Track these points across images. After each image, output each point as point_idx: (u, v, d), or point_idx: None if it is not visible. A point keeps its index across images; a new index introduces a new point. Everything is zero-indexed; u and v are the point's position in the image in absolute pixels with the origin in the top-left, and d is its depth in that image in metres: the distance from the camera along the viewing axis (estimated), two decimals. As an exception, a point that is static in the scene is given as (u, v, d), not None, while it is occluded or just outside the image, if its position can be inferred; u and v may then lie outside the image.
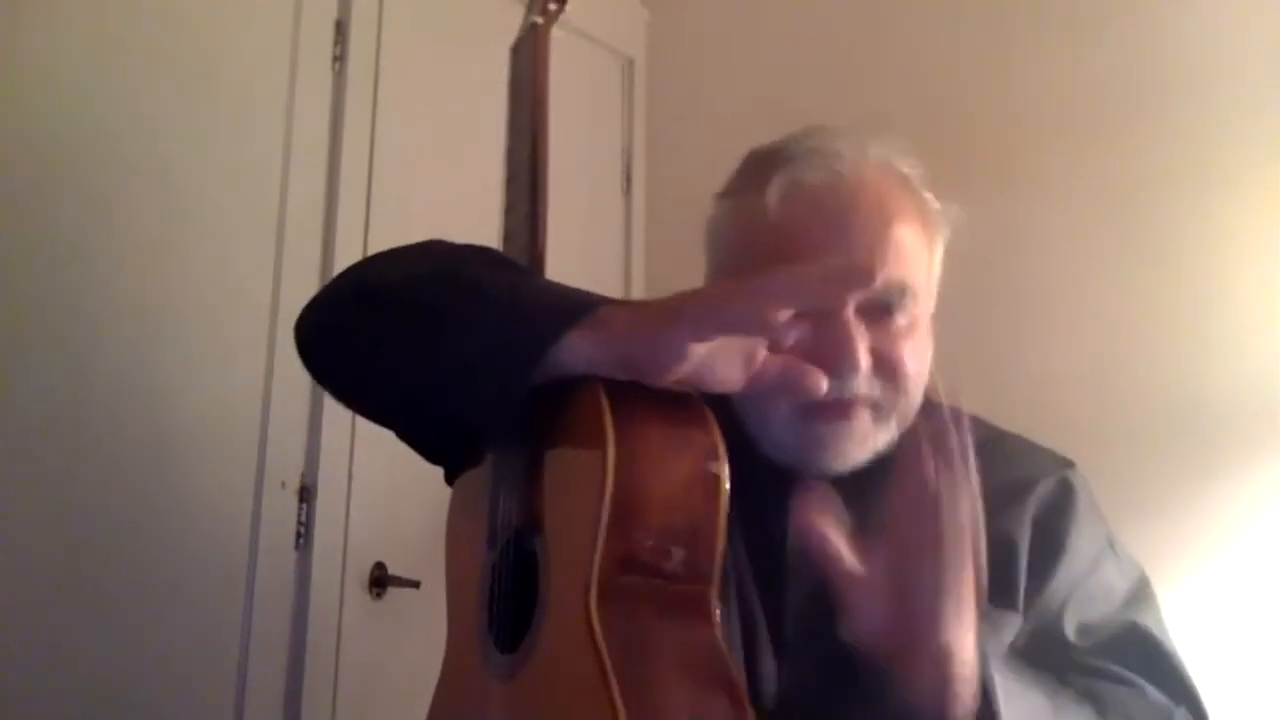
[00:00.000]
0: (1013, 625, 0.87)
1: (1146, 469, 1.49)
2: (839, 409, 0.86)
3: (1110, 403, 1.57)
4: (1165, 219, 1.59)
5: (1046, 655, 0.89)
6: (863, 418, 0.86)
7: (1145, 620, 0.91)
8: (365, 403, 0.87)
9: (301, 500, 1.48)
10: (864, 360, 0.85)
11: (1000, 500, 0.90)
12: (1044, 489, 0.93)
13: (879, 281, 0.87)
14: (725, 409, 0.78)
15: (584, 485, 0.68)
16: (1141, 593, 0.94)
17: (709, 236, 0.98)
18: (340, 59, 1.63)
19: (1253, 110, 1.55)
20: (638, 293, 2.12)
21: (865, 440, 0.87)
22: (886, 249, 0.88)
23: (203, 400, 1.38)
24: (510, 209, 0.87)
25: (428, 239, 0.86)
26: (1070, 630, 0.89)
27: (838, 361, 0.84)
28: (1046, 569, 0.90)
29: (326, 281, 1.49)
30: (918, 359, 0.90)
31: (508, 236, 0.86)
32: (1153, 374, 1.56)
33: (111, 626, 1.25)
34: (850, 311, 0.86)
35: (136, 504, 1.29)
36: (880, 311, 0.88)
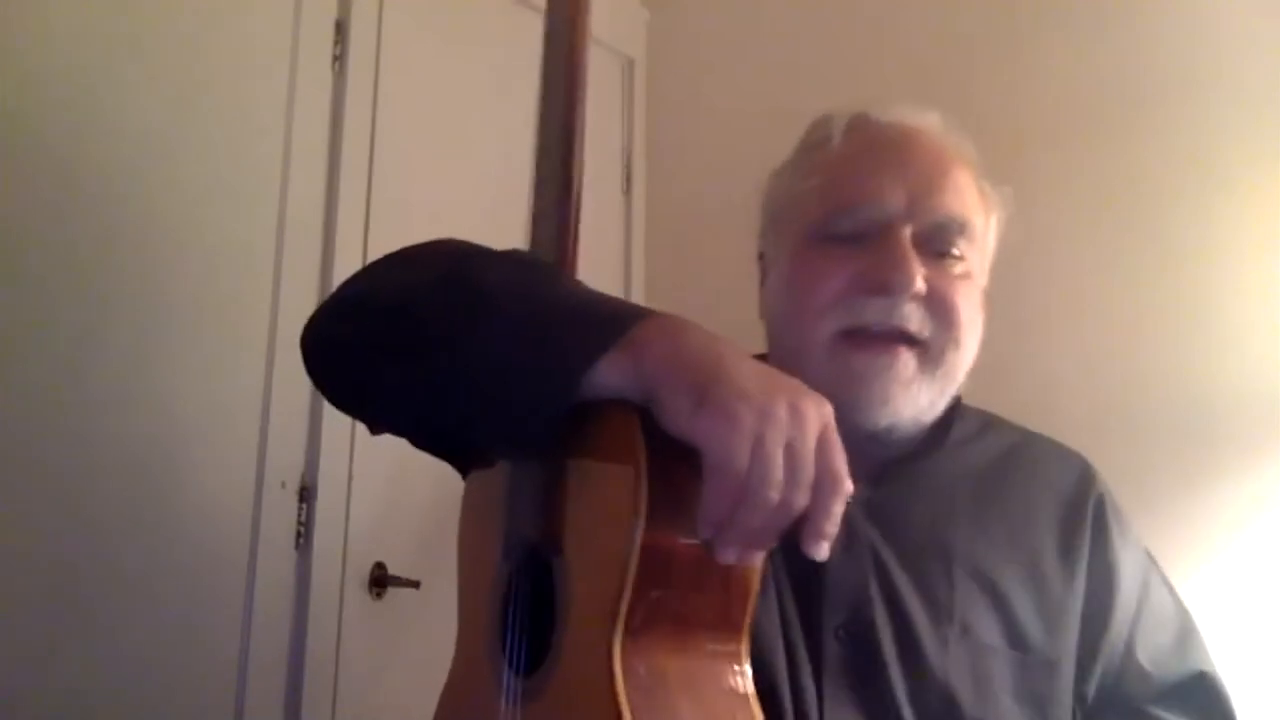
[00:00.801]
0: (1047, 670, 0.84)
1: (1147, 468, 1.48)
2: (884, 340, 0.82)
3: (1111, 402, 1.57)
4: (1165, 219, 1.59)
5: (1127, 692, 0.87)
6: (908, 360, 0.83)
7: (1210, 668, 0.89)
8: (372, 419, 0.82)
9: (301, 500, 1.48)
10: (919, 282, 0.81)
11: (1061, 519, 0.89)
12: (1092, 509, 0.90)
13: (939, 211, 0.85)
14: None
15: (611, 518, 0.63)
16: (1190, 623, 0.92)
17: (767, 201, 0.95)
18: (340, 59, 1.62)
19: (1253, 110, 1.55)
20: (637, 292, 2.12)
21: (910, 385, 0.83)
22: (945, 183, 0.86)
23: (203, 400, 1.38)
24: (541, 185, 0.78)
25: (438, 238, 0.81)
26: (1145, 661, 0.87)
27: (892, 276, 0.81)
28: (1105, 606, 0.87)
29: (326, 283, 1.52)
30: (972, 311, 0.86)
31: (538, 216, 0.78)
32: (1153, 373, 1.56)
33: (111, 626, 1.24)
34: (907, 234, 0.84)
35: (136, 504, 1.29)
36: (937, 248, 0.85)
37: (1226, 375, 1.50)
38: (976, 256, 0.89)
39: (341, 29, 1.63)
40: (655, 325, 0.64)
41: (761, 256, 0.97)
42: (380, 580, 1.56)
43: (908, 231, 0.84)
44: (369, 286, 0.79)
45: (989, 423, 0.96)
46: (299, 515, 1.47)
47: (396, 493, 1.55)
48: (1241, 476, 1.47)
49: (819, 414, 0.61)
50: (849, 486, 0.61)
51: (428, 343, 0.69)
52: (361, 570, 1.54)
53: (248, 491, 1.42)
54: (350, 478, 1.53)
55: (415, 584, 1.55)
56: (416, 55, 1.74)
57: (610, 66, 2.19)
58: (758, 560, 0.65)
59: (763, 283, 0.96)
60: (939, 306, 0.83)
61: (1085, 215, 1.65)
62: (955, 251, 0.86)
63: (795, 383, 0.63)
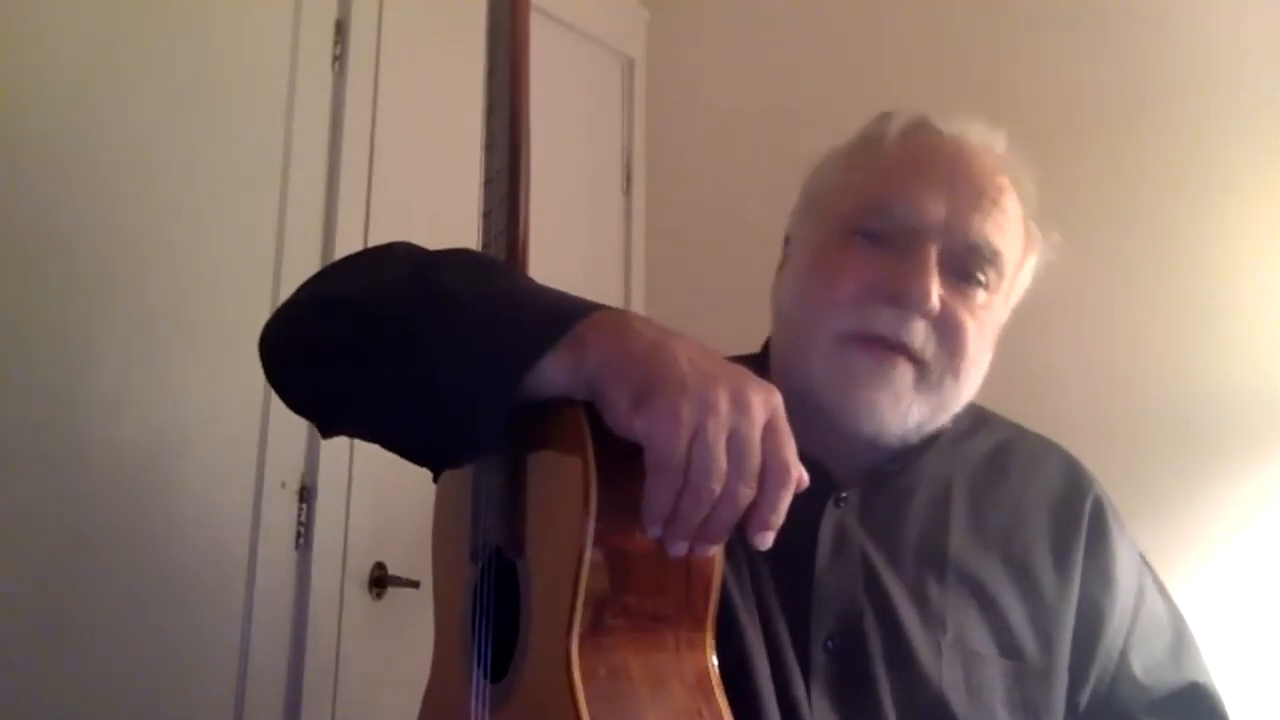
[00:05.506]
0: (1043, 681, 0.83)
1: (1147, 468, 1.49)
2: (885, 348, 0.80)
3: (1111, 402, 1.57)
4: (1165, 219, 1.59)
5: (1120, 701, 0.86)
6: (904, 372, 0.80)
7: (1204, 678, 0.88)
8: (332, 424, 0.80)
9: (301, 500, 1.48)
10: (934, 300, 0.79)
11: (1054, 522, 0.87)
12: (1089, 512, 0.89)
13: (973, 234, 0.82)
14: (760, 369, 0.71)
15: (564, 516, 0.62)
16: (1184, 630, 0.91)
17: (809, 182, 0.93)
18: (340, 59, 1.63)
19: (1253, 110, 1.55)
20: (637, 292, 2.12)
21: (900, 400, 0.81)
22: (990, 207, 0.83)
23: (203, 400, 1.38)
24: (489, 181, 0.78)
25: (391, 241, 0.80)
26: (1138, 670, 0.86)
27: (909, 290, 0.79)
28: (1100, 612, 0.86)
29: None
30: (980, 346, 0.84)
31: (487, 213, 0.78)
32: (1153, 374, 1.56)
33: (111, 626, 1.24)
34: (934, 250, 0.81)
35: (136, 504, 1.29)
36: (963, 271, 0.83)
37: (1227, 375, 1.50)
38: (1002, 292, 0.86)
39: (341, 29, 1.63)
40: (599, 321, 0.63)
41: (788, 241, 0.94)
42: (380, 580, 1.56)
43: (936, 247, 0.81)
44: (328, 292, 0.78)
45: (981, 419, 0.94)
46: (299, 515, 1.47)
47: (396, 493, 1.55)
48: (1241, 476, 1.47)
49: (766, 403, 0.59)
50: (799, 476, 0.60)
51: (390, 348, 0.68)
52: (361, 570, 1.55)
53: (248, 491, 1.42)
54: (350, 478, 1.53)
55: (415, 584, 1.55)
56: (416, 55, 1.74)
57: (610, 66, 2.19)
58: (716, 552, 0.64)
59: (782, 266, 0.93)
60: (947, 330, 0.81)
61: (1085, 215, 1.65)
62: (981, 279, 0.83)
63: (741, 371, 0.61)
